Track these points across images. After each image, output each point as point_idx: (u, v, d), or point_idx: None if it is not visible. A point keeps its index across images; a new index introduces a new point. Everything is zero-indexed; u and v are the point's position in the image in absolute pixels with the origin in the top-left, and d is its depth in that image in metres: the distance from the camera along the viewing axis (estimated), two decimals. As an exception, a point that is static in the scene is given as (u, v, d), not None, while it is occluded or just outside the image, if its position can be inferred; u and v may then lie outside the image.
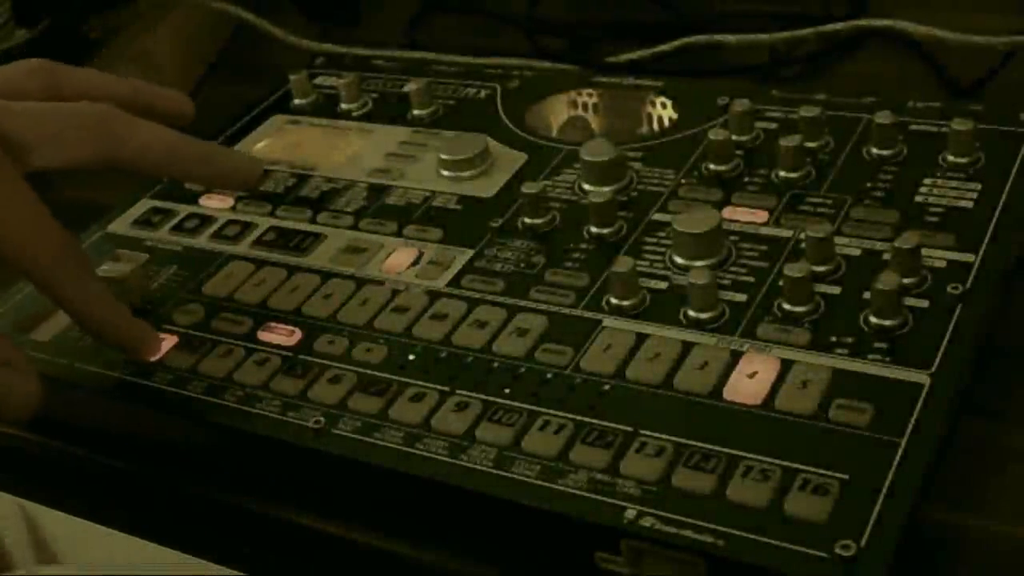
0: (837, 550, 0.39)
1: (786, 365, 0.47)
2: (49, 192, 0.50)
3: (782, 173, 0.57)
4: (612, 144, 0.59)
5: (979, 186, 0.54)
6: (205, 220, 0.62)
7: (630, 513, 0.42)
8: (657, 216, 0.56)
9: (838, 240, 0.52)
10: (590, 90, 0.67)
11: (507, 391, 0.48)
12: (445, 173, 0.62)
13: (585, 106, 0.68)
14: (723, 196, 0.56)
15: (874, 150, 0.57)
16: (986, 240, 0.51)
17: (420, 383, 0.49)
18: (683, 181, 0.58)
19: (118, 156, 0.52)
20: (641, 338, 0.49)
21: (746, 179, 0.57)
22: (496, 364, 0.49)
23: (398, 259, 0.57)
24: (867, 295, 0.48)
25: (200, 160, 0.56)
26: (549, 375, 0.48)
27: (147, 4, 0.83)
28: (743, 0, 0.79)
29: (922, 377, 0.45)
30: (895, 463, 0.42)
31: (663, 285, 0.52)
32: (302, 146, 0.68)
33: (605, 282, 0.52)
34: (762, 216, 0.55)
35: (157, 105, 0.57)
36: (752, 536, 0.40)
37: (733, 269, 0.52)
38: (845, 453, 0.43)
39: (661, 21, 0.80)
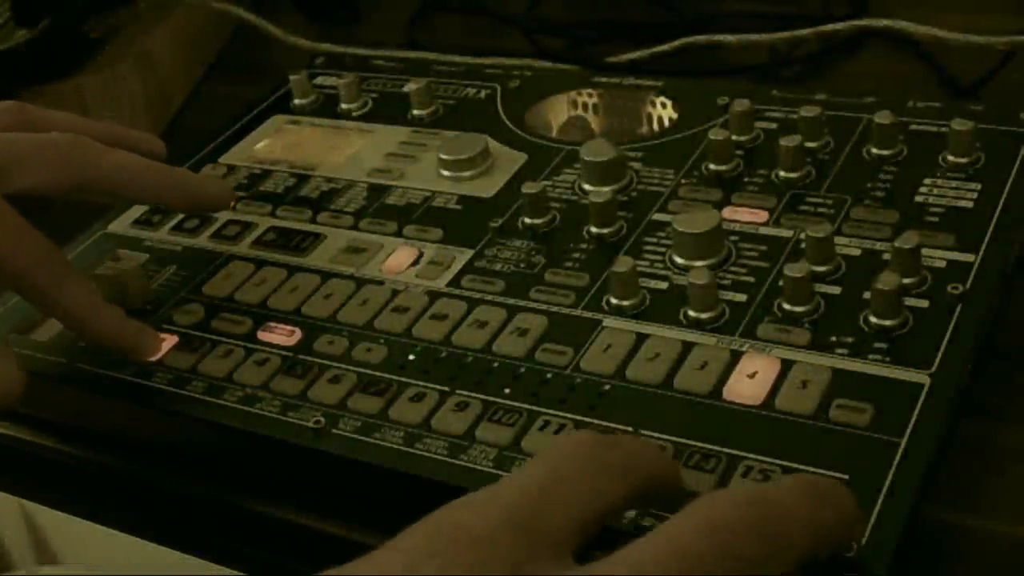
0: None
1: (786, 365, 0.47)
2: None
3: (782, 173, 0.57)
4: (612, 144, 0.59)
5: (979, 186, 0.54)
6: (205, 220, 0.62)
7: (630, 513, 0.42)
8: (657, 216, 0.56)
9: (838, 240, 0.52)
10: (590, 90, 0.68)
11: (507, 391, 0.48)
12: (445, 173, 0.62)
13: (585, 106, 0.68)
14: (723, 196, 0.56)
15: (874, 150, 0.57)
16: (986, 240, 0.51)
17: (420, 383, 0.49)
18: (683, 181, 0.58)
19: (88, 180, 0.53)
20: (641, 338, 0.49)
21: (746, 179, 0.57)
22: (496, 364, 0.49)
23: (398, 259, 0.57)
24: (867, 295, 0.48)
25: (170, 184, 0.56)
26: (549, 375, 0.48)
27: (147, 4, 0.83)
28: (743, 0, 0.79)
29: (922, 377, 0.45)
30: (895, 463, 0.42)
31: (663, 285, 0.52)
32: (302, 146, 0.68)
33: (605, 282, 0.52)
34: (762, 216, 0.55)
35: (128, 145, 0.57)
36: (752, 536, 0.40)
37: (733, 269, 0.52)
38: (845, 453, 0.43)
39: (661, 21, 0.80)
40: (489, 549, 0.34)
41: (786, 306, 0.49)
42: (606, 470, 0.36)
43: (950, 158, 0.55)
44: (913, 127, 0.58)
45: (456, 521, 0.35)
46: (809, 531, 0.36)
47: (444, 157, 0.62)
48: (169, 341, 0.54)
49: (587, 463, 0.36)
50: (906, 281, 0.48)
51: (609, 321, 0.51)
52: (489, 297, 0.53)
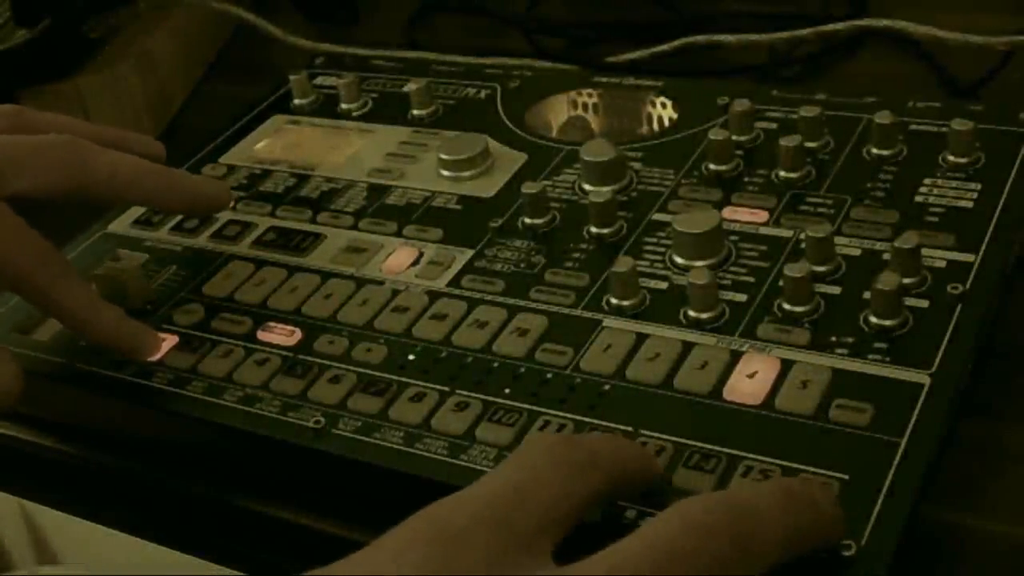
0: (837, 549, 0.39)
1: (786, 365, 0.47)
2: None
3: (782, 173, 0.57)
4: (612, 144, 0.59)
5: (979, 186, 0.54)
6: (205, 220, 0.62)
7: (630, 513, 0.42)
8: (657, 216, 0.56)
9: (838, 240, 0.52)
10: (590, 90, 0.67)
11: (507, 391, 0.48)
12: (445, 173, 0.62)
13: (585, 106, 0.67)
14: (723, 196, 0.56)
15: (874, 150, 0.57)
16: (986, 240, 0.51)
17: (420, 383, 0.49)
18: (683, 181, 0.58)
19: (86, 182, 0.54)
20: (641, 338, 0.49)
21: (746, 179, 0.57)
22: (496, 364, 0.49)
23: (398, 259, 0.57)
24: (867, 295, 0.48)
25: (168, 186, 0.56)
26: (549, 375, 0.48)
27: (147, 4, 0.83)
28: (743, 0, 0.79)
29: (922, 377, 0.45)
30: (895, 463, 0.42)
31: (663, 285, 0.52)
32: (302, 146, 0.68)
33: (605, 282, 0.52)
34: (762, 216, 0.55)
35: (126, 147, 0.57)
36: (752, 536, 0.40)
37: (733, 269, 0.52)
38: (845, 453, 0.43)
39: (661, 21, 0.80)
40: (466, 546, 0.35)
41: (786, 306, 0.49)
42: (576, 467, 0.38)
43: (950, 158, 0.55)
44: (913, 127, 0.58)
45: (435, 519, 0.36)
46: (785, 533, 0.36)
47: (444, 157, 0.62)
48: (169, 341, 0.54)
49: (558, 462, 0.37)
50: (906, 281, 0.48)
51: (609, 321, 0.51)
52: (489, 297, 0.53)
